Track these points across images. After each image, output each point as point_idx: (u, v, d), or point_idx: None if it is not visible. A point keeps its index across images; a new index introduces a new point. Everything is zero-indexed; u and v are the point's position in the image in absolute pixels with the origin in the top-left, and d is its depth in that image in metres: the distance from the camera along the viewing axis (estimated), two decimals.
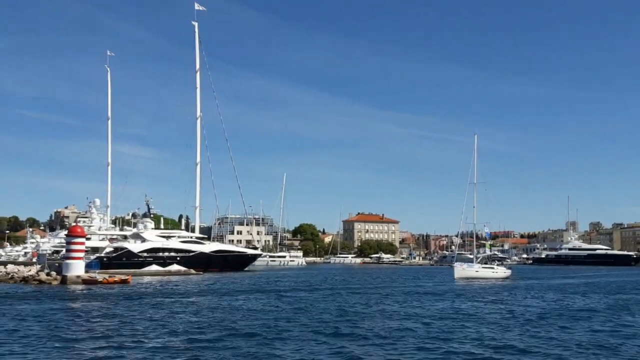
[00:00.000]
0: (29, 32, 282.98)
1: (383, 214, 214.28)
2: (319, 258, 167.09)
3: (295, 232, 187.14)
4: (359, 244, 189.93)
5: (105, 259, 69.74)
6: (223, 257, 79.38)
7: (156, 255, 73.03)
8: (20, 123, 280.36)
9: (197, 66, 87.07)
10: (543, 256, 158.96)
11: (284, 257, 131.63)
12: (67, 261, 48.00)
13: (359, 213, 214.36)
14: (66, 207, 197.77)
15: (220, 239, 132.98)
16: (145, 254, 72.73)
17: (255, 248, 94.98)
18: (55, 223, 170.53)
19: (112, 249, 74.15)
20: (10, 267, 57.02)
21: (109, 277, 47.96)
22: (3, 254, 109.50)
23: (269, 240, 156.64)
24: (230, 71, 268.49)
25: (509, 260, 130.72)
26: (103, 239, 79.95)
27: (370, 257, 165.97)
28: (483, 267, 64.86)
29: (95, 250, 72.76)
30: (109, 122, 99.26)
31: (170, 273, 65.05)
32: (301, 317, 24.96)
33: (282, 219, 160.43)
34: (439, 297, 37.48)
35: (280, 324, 22.74)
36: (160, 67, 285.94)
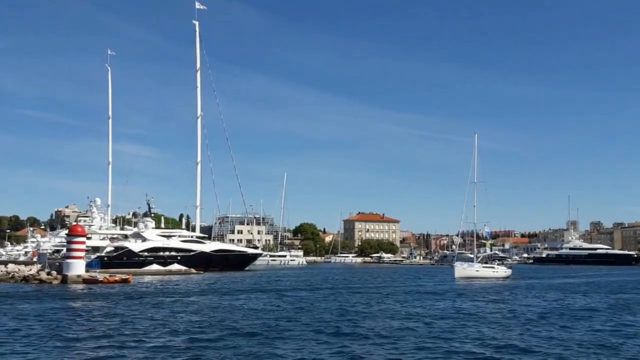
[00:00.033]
0: (29, 32, 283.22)
1: (384, 214, 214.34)
2: (319, 257, 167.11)
3: (296, 232, 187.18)
4: (360, 244, 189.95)
5: (105, 259, 69.73)
6: (224, 257, 79.38)
7: (157, 255, 73.04)
8: (21, 123, 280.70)
9: (198, 65, 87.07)
10: (544, 256, 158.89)
11: (285, 256, 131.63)
12: (68, 260, 48.03)
13: (359, 212, 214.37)
14: (67, 207, 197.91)
15: (221, 238, 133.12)
16: (145, 254, 72.73)
17: (256, 247, 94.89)
18: (56, 222, 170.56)
19: (112, 249, 74.14)
20: (10, 266, 57.06)
21: (110, 276, 47.97)
22: (4, 253, 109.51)
23: (269, 240, 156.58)
24: (230, 71, 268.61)
25: (509, 259, 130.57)
26: (104, 239, 79.92)
27: (371, 257, 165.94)
28: (483, 267, 64.79)
29: (95, 249, 72.73)
30: (110, 121, 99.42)
31: (170, 272, 65.09)
32: (302, 317, 24.96)
33: (283, 219, 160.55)
34: (440, 297, 37.48)
35: (281, 323, 22.74)
36: (161, 67, 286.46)
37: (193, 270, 67.52)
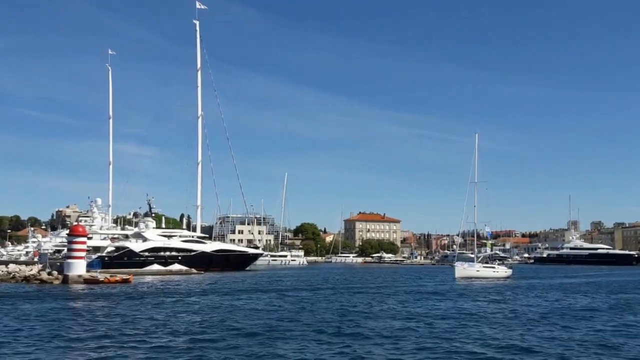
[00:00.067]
0: (29, 32, 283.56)
1: (384, 214, 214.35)
2: (320, 257, 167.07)
3: (297, 232, 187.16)
4: (360, 244, 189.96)
5: (106, 259, 69.76)
6: (224, 257, 79.39)
7: (157, 255, 73.07)
8: (21, 123, 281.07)
9: (199, 65, 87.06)
10: (544, 255, 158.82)
11: (285, 256, 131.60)
12: (69, 260, 48.04)
13: (360, 212, 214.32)
14: (68, 207, 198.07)
15: (222, 238, 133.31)
16: (146, 254, 72.76)
17: (257, 247, 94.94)
18: (57, 222, 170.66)
19: (113, 249, 74.18)
20: (11, 266, 57.08)
21: (111, 276, 47.99)
22: (5, 253, 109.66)
23: (270, 240, 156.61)
24: (230, 71, 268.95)
25: (510, 259, 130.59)
26: (104, 239, 79.97)
27: (372, 257, 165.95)
28: (484, 267, 64.74)
29: (96, 249, 72.79)
30: (110, 121, 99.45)
31: (171, 272, 65.11)
32: (303, 317, 24.95)
33: (284, 219, 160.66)
34: (441, 297, 37.46)
35: (283, 323, 22.74)
36: (161, 67, 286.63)
37: (194, 271, 67.55)
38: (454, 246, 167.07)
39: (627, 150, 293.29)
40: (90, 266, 54.16)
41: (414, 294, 39.73)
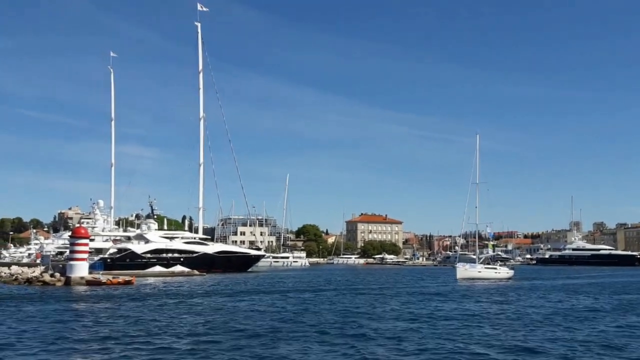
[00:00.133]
0: (29, 32, 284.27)
1: (386, 215, 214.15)
2: (322, 259, 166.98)
3: (299, 233, 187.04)
4: (362, 245, 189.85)
5: (109, 260, 69.83)
6: (226, 258, 79.43)
7: (160, 256, 73.14)
8: (21, 123, 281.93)
9: (200, 67, 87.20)
10: (547, 256, 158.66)
11: (287, 257, 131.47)
12: (71, 262, 48.10)
13: (362, 213, 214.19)
14: (70, 208, 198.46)
15: (224, 239, 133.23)
16: (148, 255, 72.83)
17: (259, 249, 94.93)
18: (59, 224, 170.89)
19: (115, 250, 74.30)
20: (14, 268, 57.22)
21: (113, 278, 48.03)
22: (7, 255, 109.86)
23: (272, 241, 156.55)
24: (230, 71, 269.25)
25: (512, 260, 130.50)
26: (107, 240, 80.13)
27: (374, 258, 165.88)
28: (485, 268, 64.70)
29: (99, 251, 72.94)
30: (113, 123, 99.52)
31: (173, 274, 65.11)
32: (306, 318, 24.95)
33: (285, 220, 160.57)
34: (443, 298, 37.43)
35: (285, 325, 22.75)
36: (162, 67, 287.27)
37: (196, 272, 67.55)
38: (456, 247, 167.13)
39: (627, 150, 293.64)
40: (92, 268, 54.22)
41: (416, 295, 39.71)
